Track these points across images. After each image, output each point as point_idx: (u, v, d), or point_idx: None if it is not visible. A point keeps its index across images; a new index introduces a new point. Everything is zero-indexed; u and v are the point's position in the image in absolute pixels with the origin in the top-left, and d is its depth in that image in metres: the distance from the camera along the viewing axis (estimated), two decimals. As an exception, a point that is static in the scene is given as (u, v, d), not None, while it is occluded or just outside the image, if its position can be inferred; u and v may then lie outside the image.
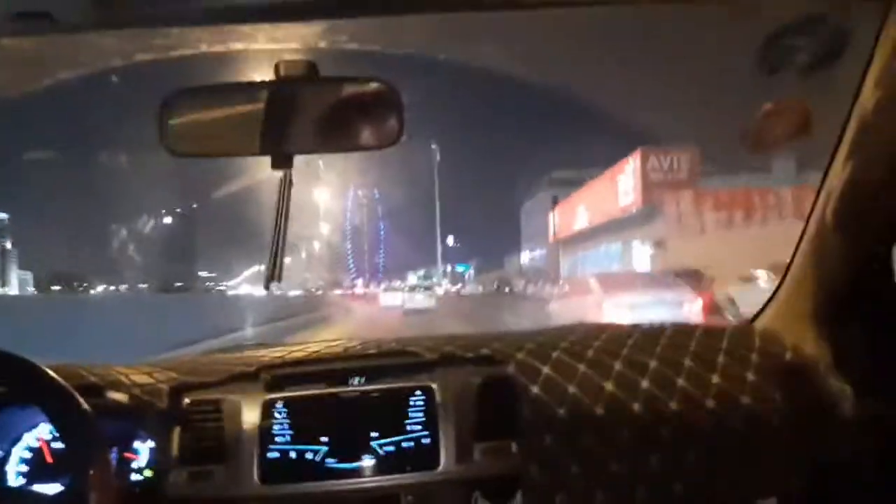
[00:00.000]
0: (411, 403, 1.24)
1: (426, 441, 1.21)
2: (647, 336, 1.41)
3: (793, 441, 1.26)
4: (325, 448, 1.20)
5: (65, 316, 10.35)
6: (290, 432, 1.21)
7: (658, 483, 1.23)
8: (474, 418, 1.23)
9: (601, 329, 1.48)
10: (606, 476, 1.22)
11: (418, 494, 1.19)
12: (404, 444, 1.22)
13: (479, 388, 1.26)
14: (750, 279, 12.11)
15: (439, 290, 42.34)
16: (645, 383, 1.27)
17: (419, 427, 1.23)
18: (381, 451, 1.21)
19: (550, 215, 39.53)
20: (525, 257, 54.33)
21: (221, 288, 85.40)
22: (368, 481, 1.19)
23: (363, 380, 1.27)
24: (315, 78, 1.04)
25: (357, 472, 1.20)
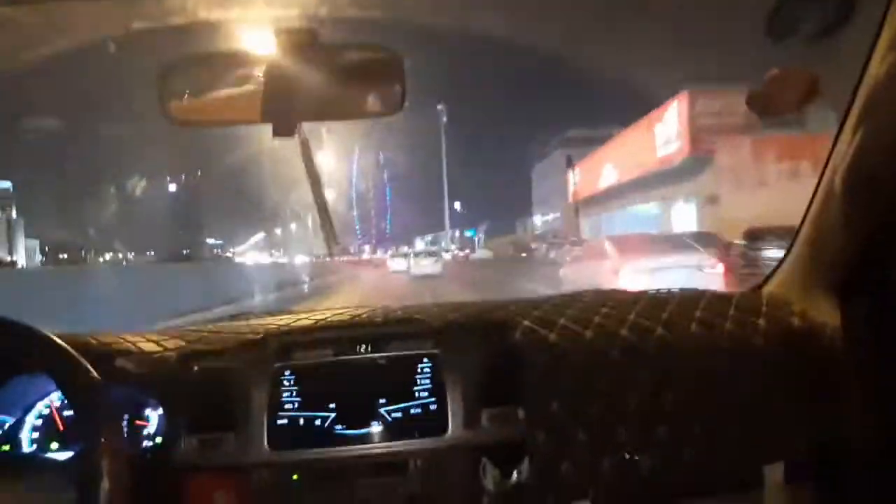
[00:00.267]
0: (418, 370, 1.25)
1: (433, 407, 1.22)
2: (655, 302, 1.41)
3: (799, 407, 1.27)
4: (333, 414, 1.22)
5: (72, 285, 10.38)
6: (298, 399, 1.22)
7: (665, 449, 1.24)
8: (481, 385, 1.24)
9: (608, 295, 1.48)
10: (613, 443, 1.23)
11: (427, 460, 1.20)
12: (412, 411, 1.23)
13: (486, 354, 1.27)
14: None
15: (447, 256, 42.00)
16: (651, 350, 1.28)
17: (426, 394, 1.23)
18: (388, 418, 1.22)
19: (570, 174, 36.70)
20: (539, 220, 53.57)
21: (228, 255, 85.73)
22: (377, 447, 1.20)
23: (370, 347, 1.28)
24: (316, 45, 1.03)
25: (365, 438, 1.21)
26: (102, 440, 0.88)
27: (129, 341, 1.30)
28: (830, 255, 1.25)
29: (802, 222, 1.32)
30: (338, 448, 1.20)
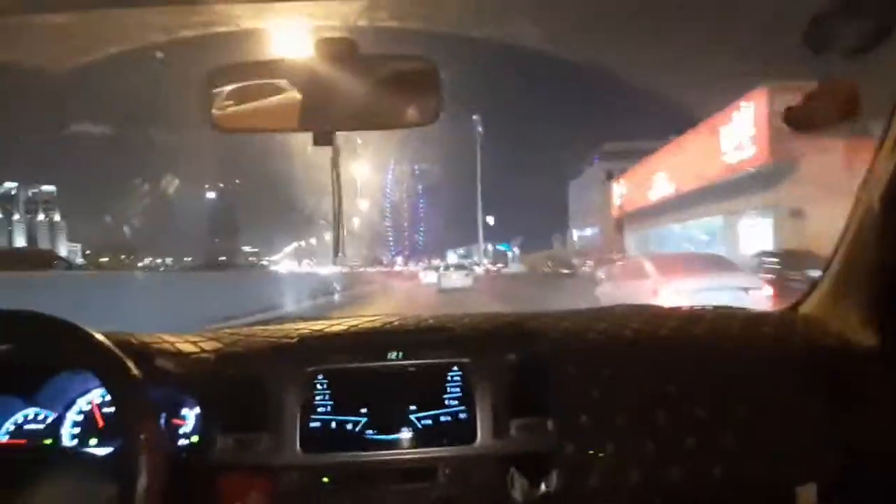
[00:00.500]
0: (449, 378, 1.26)
1: (463, 416, 1.23)
2: (687, 319, 1.39)
3: (833, 429, 1.24)
4: (364, 419, 1.23)
5: (113, 288, 10.66)
6: (330, 403, 1.24)
7: (695, 464, 1.22)
8: (510, 395, 1.24)
9: (639, 310, 1.47)
10: (642, 457, 1.21)
11: (455, 467, 1.20)
12: (442, 418, 1.23)
13: (516, 365, 1.27)
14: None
15: (479, 270, 41.60)
16: (682, 365, 1.26)
17: (456, 402, 1.24)
18: (419, 424, 1.23)
19: (613, 186, 35.00)
20: (576, 235, 52.89)
21: (264, 263, 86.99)
22: (406, 453, 1.21)
23: (401, 354, 1.29)
24: (355, 55, 1.05)
25: (395, 444, 1.22)
26: (141, 437, 0.90)
27: (168, 342, 1.33)
28: (868, 274, 1.23)
29: (840, 241, 1.29)
30: (368, 452, 1.21)
